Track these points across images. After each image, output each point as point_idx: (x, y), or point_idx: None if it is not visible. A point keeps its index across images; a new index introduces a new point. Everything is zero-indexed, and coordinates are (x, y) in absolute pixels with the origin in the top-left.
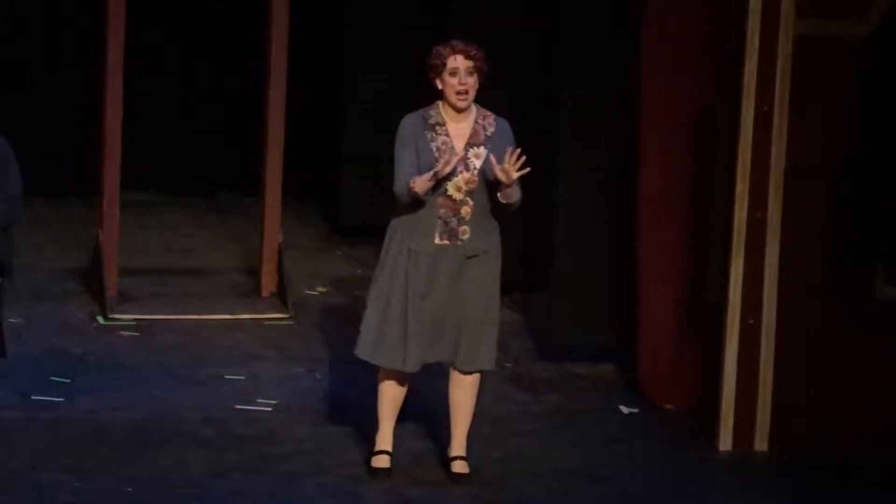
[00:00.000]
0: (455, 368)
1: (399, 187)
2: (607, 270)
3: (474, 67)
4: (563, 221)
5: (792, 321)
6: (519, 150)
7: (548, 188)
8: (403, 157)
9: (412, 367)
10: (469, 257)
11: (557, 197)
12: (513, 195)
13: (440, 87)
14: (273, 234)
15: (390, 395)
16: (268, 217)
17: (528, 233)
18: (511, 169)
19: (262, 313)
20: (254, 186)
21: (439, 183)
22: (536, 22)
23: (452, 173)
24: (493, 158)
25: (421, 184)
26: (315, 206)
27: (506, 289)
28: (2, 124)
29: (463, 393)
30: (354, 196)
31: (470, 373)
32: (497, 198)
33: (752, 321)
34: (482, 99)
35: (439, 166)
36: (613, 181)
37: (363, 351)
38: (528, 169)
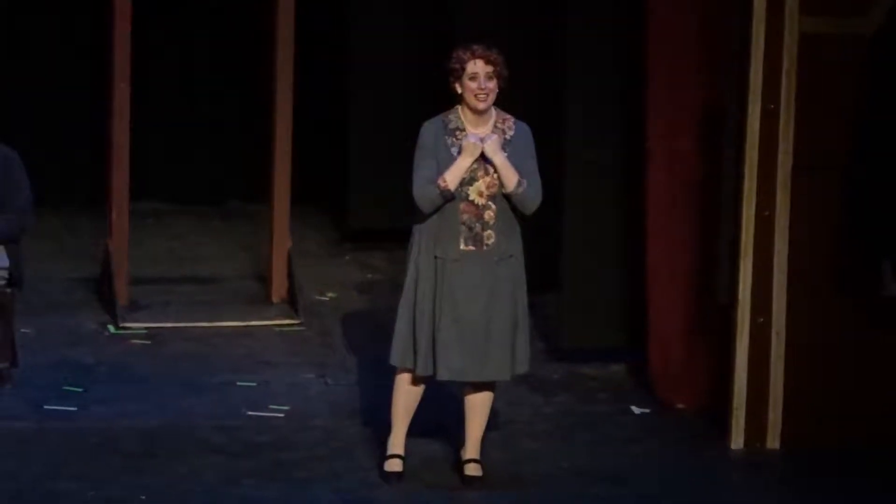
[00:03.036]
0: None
1: (419, 190)
2: (617, 271)
3: (494, 72)
4: (572, 223)
5: (801, 319)
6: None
7: (556, 190)
8: (423, 164)
9: (445, 375)
10: (497, 261)
11: (566, 198)
12: (507, 184)
13: (459, 90)
14: (282, 241)
15: (405, 400)
16: (276, 224)
17: (537, 234)
18: (490, 144)
19: (273, 320)
20: (262, 193)
21: (461, 187)
22: (542, 23)
23: (474, 178)
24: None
25: (451, 174)
26: (324, 212)
27: None
28: (11, 135)
29: (481, 397)
30: (363, 201)
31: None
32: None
33: (761, 320)
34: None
35: (464, 143)
36: (621, 182)
37: (394, 358)
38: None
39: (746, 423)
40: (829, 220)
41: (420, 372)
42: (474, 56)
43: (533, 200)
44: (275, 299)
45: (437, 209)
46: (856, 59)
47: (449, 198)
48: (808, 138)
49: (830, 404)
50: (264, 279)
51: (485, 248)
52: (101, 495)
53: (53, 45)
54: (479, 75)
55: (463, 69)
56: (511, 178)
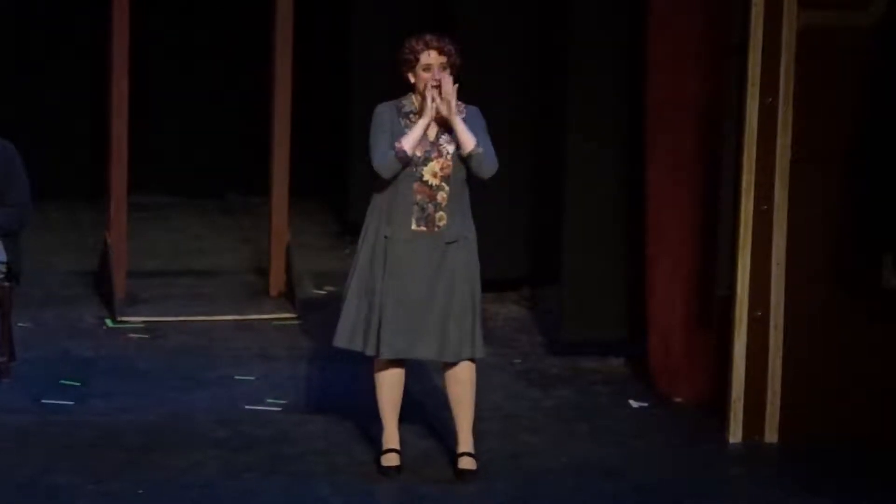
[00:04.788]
0: (448, 363)
1: (378, 159)
2: (616, 265)
3: (447, 63)
4: (572, 216)
5: (800, 313)
6: (446, 74)
7: (556, 183)
8: (380, 138)
9: (387, 353)
10: (448, 244)
11: (566, 192)
12: (466, 144)
13: (412, 80)
14: (281, 234)
15: (388, 394)
16: (276, 217)
17: (537, 228)
18: (446, 95)
19: (271, 313)
20: (262, 186)
21: (415, 168)
22: (542, 19)
23: (428, 158)
24: (436, 97)
25: (407, 138)
26: (323, 205)
27: (515, 284)
28: (10, 129)
29: (461, 388)
30: (363, 194)
31: (459, 362)
32: (469, 171)
33: (760, 313)
34: (487, 96)
35: (427, 99)
36: (621, 175)
37: (340, 339)
38: (457, 85)
39: (744, 416)
40: (828, 214)
41: (370, 352)
42: (428, 47)
43: (490, 164)
44: (273, 293)
45: (395, 176)
46: (855, 52)
47: (406, 162)
48: (806, 132)
49: (829, 397)
50: (264, 273)
51: (436, 229)
52: (99, 489)
53: (54, 40)
54: (432, 66)
55: (416, 60)
56: (469, 140)
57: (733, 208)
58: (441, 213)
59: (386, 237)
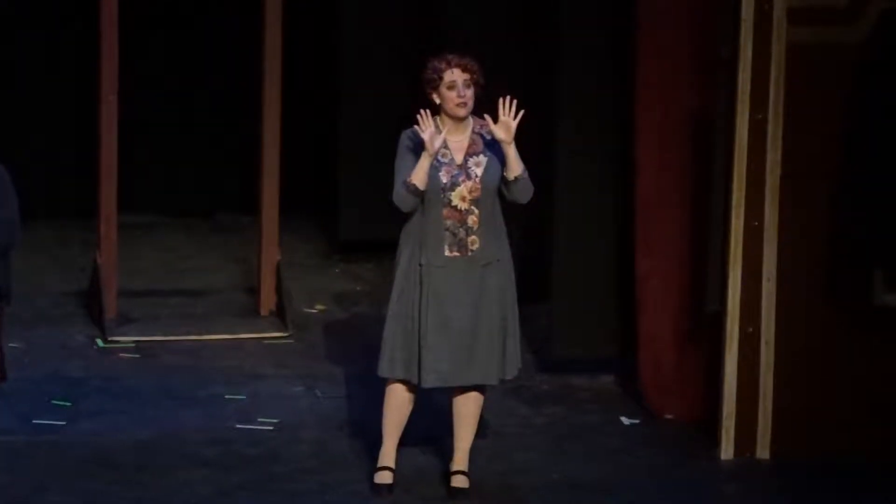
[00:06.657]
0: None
1: (394, 195)
2: (606, 282)
3: (471, 80)
4: (562, 233)
5: (791, 329)
6: (511, 98)
7: (545, 199)
8: (402, 167)
9: (430, 382)
10: (483, 266)
11: (555, 208)
12: (516, 168)
13: (437, 101)
14: (271, 253)
15: (396, 413)
16: (265, 235)
17: (527, 245)
18: (509, 119)
19: (262, 332)
20: (251, 205)
21: (443, 193)
22: (533, 32)
23: (455, 183)
24: (488, 118)
25: (417, 173)
26: (313, 223)
27: None
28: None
29: (469, 407)
30: (352, 212)
31: (487, 384)
32: (505, 193)
33: (751, 329)
34: (479, 107)
35: (426, 136)
36: (611, 192)
37: (383, 369)
38: (522, 112)
39: (736, 432)
40: (818, 229)
41: (405, 377)
42: (451, 65)
43: (531, 188)
44: (264, 312)
45: (415, 207)
46: (844, 67)
47: (419, 194)
48: (796, 147)
49: (820, 414)
50: (254, 291)
51: (469, 253)
52: None
53: (42, 59)
54: (457, 83)
55: (440, 79)
56: (518, 165)
57: (724, 224)
58: (473, 236)
59: (421, 265)
